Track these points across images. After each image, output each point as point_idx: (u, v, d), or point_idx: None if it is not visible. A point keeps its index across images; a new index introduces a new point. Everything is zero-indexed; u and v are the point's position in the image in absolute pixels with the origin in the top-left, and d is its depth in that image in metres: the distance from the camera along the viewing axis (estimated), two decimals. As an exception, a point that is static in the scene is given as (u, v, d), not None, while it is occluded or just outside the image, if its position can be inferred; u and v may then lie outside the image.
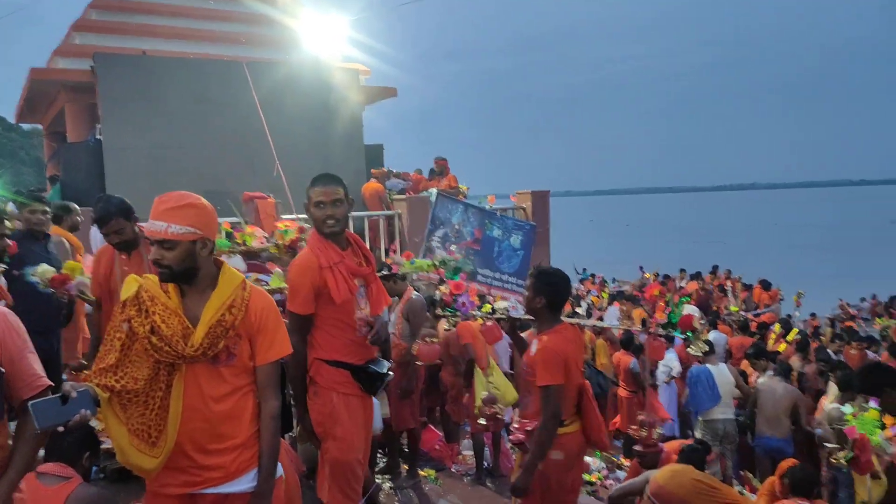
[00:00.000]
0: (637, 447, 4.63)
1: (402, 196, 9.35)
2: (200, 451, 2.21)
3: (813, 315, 16.33)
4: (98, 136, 9.38)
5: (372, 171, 10.16)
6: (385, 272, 4.73)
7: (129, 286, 2.22)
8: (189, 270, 2.19)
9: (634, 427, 4.18)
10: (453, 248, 8.61)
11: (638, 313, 11.38)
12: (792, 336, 10.02)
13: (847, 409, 3.00)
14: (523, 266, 8.87)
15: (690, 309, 14.36)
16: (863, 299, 19.29)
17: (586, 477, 6.25)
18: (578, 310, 12.79)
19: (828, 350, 9.78)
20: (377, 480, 5.21)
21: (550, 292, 3.26)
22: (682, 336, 4.65)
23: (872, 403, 2.96)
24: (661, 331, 4.29)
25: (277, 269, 4.82)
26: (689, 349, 7.26)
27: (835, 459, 3.10)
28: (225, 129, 9.20)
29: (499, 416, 4.56)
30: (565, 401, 3.21)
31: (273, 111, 9.05)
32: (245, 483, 2.26)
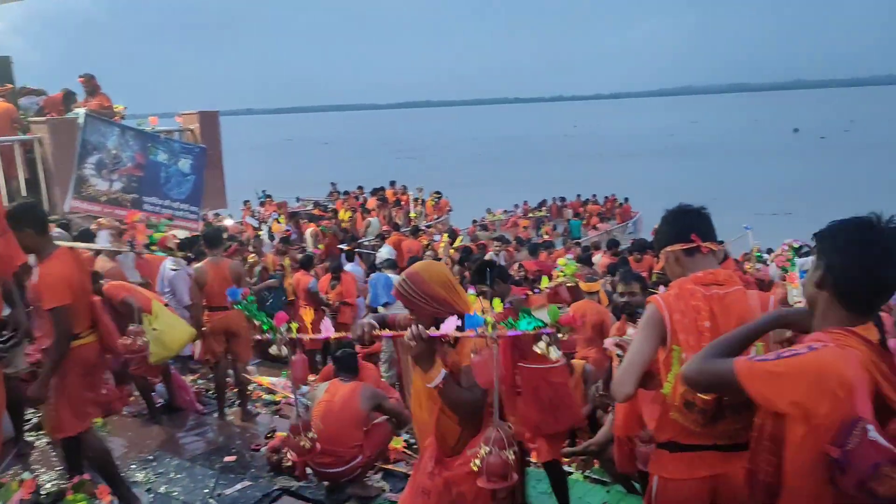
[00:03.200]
0: None
1: (42, 118, 8.10)
2: None
3: (474, 222, 18.63)
4: None
5: (-3, 88, 8.60)
6: None
7: None
8: None
9: None
10: (114, 175, 7.82)
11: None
12: (458, 243, 11.32)
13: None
14: (195, 192, 8.44)
15: (374, 221, 15.22)
16: (516, 206, 22.37)
17: (271, 397, 6.39)
18: (260, 233, 12.73)
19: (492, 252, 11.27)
20: (29, 439, 4.74)
21: (27, 223, 3.31)
22: (163, 252, 5.59)
23: (471, 291, 3.58)
24: (146, 251, 4.83)
25: None
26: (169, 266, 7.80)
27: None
28: None
29: (140, 346, 4.66)
30: (77, 316, 3.45)
31: None
32: None
